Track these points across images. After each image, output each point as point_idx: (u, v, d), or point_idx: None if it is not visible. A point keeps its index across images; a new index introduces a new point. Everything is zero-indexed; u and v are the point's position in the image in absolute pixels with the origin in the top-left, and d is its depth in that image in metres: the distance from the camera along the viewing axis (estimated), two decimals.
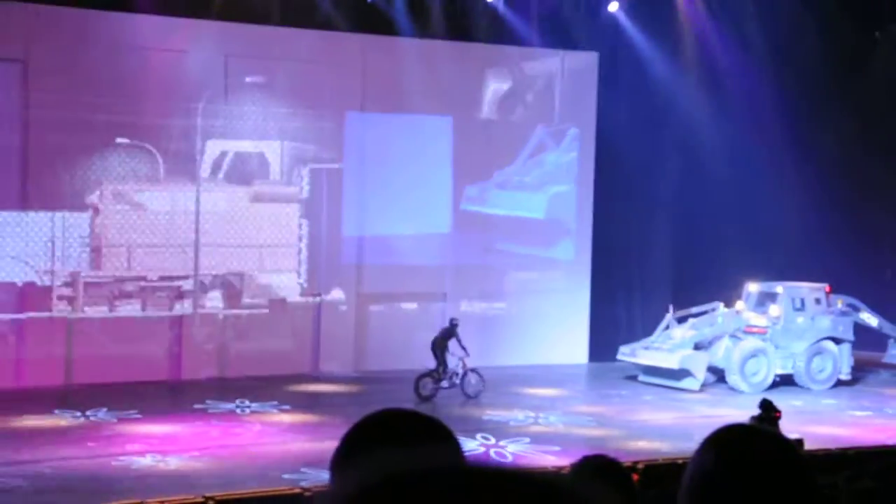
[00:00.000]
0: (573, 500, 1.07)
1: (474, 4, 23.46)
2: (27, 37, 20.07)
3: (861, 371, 23.12)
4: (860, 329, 22.71)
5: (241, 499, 10.41)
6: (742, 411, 16.45)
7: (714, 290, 22.53)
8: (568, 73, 24.68)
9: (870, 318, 22.90)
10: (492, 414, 18.63)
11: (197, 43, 21.24)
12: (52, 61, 20.16)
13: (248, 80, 21.87)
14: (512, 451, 15.98)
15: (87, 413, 17.68)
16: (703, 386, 21.07)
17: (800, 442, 11.70)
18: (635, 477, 8.11)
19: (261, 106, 22.05)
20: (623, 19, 24.63)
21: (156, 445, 15.70)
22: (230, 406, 18.59)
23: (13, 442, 15.65)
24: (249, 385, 20.13)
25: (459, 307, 23.71)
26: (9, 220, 20.27)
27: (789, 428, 13.21)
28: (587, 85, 24.76)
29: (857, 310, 22.74)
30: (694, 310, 22.09)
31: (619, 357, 22.22)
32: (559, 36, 24.14)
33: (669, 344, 21.37)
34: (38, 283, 20.50)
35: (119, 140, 20.97)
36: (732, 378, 21.35)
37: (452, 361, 20.01)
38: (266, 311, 22.29)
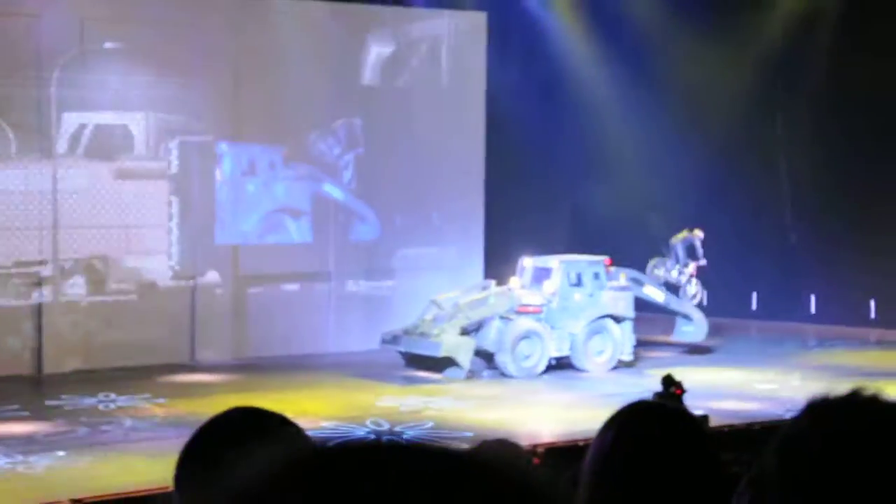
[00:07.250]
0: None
1: None
2: None
3: (645, 350, 21.55)
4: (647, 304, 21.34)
5: (110, 500, 10.27)
6: (647, 391, 15.85)
7: (618, 261, 21.57)
8: (455, 35, 23.94)
9: (655, 293, 21.39)
10: (384, 399, 17.98)
11: (49, 6, 19.98)
12: None
13: (107, 45, 20.67)
14: (409, 438, 15.24)
15: None
16: (471, 373, 19.66)
17: (705, 418, 11.00)
18: (536, 461, 8.30)
19: (122, 74, 20.83)
20: None
21: (16, 447, 14.83)
22: (96, 400, 17.67)
23: None
24: (118, 377, 19.22)
25: (345, 286, 22.96)
26: None
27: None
28: (475, 47, 24.00)
29: (640, 284, 21.26)
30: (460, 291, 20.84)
31: (380, 345, 20.63)
32: None
33: (435, 329, 19.79)
34: None
35: None
36: (502, 361, 19.87)
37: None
38: (134, 296, 21.25)
